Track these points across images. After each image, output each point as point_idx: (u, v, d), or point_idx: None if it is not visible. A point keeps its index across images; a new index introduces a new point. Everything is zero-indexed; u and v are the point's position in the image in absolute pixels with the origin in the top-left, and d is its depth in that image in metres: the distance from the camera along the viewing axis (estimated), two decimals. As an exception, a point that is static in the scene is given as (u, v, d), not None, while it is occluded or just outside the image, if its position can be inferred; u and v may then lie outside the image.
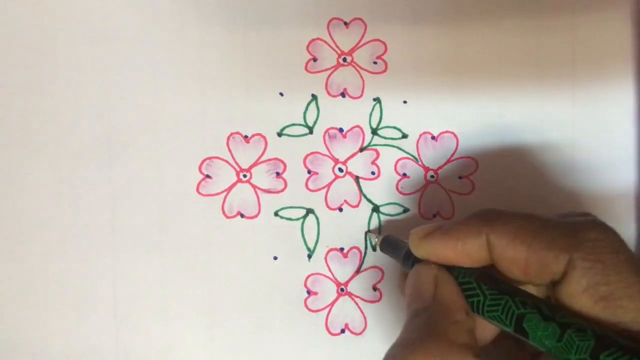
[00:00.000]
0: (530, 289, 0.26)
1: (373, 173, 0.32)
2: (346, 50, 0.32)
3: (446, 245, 0.26)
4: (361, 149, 0.32)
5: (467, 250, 0.25)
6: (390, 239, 0.30)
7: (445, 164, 0.33)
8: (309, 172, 0.32)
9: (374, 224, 0.32)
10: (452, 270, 0.26)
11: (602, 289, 0.23)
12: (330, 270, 0.32)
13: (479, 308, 0.25)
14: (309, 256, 0.32)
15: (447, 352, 0.23)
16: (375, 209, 0.33)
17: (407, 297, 0.26)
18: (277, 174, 0.32)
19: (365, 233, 0.33)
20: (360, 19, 0.32)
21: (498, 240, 0.25)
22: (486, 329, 0.26)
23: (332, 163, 0.32)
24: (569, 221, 0.25)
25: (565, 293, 0.24)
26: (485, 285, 0.25)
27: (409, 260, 0.28)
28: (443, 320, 0.24)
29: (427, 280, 0.26)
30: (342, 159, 0.32)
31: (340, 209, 0.32)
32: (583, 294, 0.23)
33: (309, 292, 0.32)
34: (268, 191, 0.32)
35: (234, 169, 0.32)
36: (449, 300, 0.25)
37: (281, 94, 0.32)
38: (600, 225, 0.25)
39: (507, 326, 0.24)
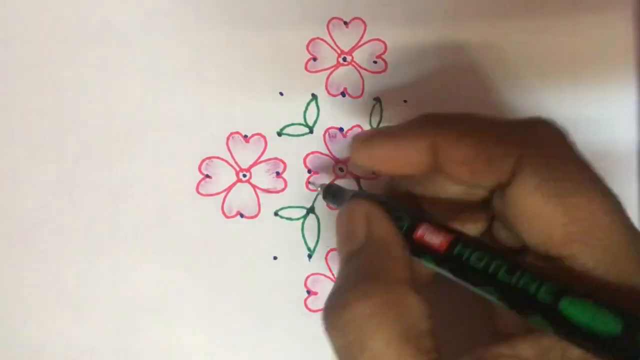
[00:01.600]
0: (478, 195, 0.25)
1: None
2: (346, 50, 0.32)
3: (387, 149, 0.24)
4: (361, 149, 0.32)
5: (409, 154, 0.24)
6: (333, 187, 0.29)
7: (445, 163, 0.33)
8: (309, 171, 0.32)
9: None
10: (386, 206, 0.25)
11: (554, 185, 0.21)
12: (330, 270, 0.32)
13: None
14: (309, 256, 0.32)
15: (388, 291, 0.22)
16: (376, 209, 0.32)
17: (337, 239, 0.25)
18: (277, 173, 0.32)
19: (307, 183, 0.32)
20: (360, 19, 0.32)
21: (444, 140, 0.23)
22: (422, 270, 0.25)
23: (333, 162, 0.32)
24: (517, 120, 0.24)
25: (515, 194, 0.22)
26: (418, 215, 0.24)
27: None
28: (379, 258, 0.23)
29: (358, 219, 0.24)
30: (342, 159, 0.32)
31: (341, 209, 0.32)
32: (534, 192, 0.21)
33: (309, 292, 0.32)
34: (268, 191, 0.32)
35: (234, 168, 0.32)
36: (384, 236, 0.24)
37: (281, 94, 0.32)
38: (548, 123, 0.23)
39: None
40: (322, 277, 0.32)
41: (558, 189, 0.21)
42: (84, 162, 0.32)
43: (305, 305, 0.32)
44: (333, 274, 0.32)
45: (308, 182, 0.32)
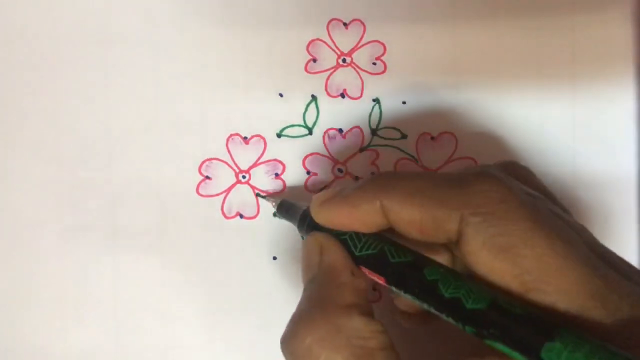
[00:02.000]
0: (439, 255, 0.25)
1: (373, 174, 0.32)
2: (345, 51, 0.32)
3: (342, 212, 0.25)
4: (361, 150, 0.32)
5: (361, 216, 0.25)
6: (286, 203, 0.30)
7: (444, 164, 0.33)
8: (308, 172, 0.32)
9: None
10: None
11: (499, 240, 0.22)
12: (329, 271, 0.32)
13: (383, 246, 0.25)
14: (309, 257, 0.32)
15: (332, 317, 0.23)
16: (375, 209, 0.32)
17: (301, 272, 0.26)
18: (277, 174, 0.32)
19: (257, 196, 0.32)
20: (360, 20, 0.32)
21: (392, 204, 0.24)
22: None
23: (332, 164, 0.32)
24: (458, 176, 0.24)
25: (466, 253, 0.23)
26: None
27: (303, 225, 0.28)
28: (327, 285, 0.24)
29: (313, 250, 0.26)
30: (341, 160, 0.32)
31: (340, 210, 0.32)
32: (481, 249, 0.22)
33: (308, 292, 0.32)
34: (267, 192, 0.32)
35: (233, 170, 0.32)
36: (333, 264, 0.25)
37: (280, 95, 0.32)
38: (487, 176, 0.24)
39: (405, 257, 0.24)
40: (321, 277, 0.32)
41: (503, 244, 0.22)
42: (84, 163, 0.32)
43: (305, 306, 0.32)
44: (332, 275, 0.32)
45: (259, 196, 0.32)
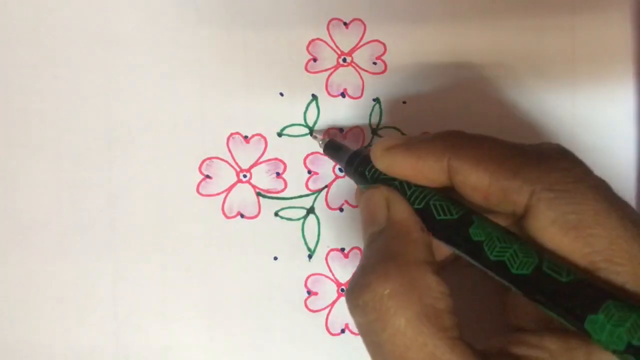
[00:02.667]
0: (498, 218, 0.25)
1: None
2: (346, 51, 0.32)
3: (406, 162, 0.25)
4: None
5: (426, 170, 0.25)
6: (334, 143, 0.30)
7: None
8: (309, 172, 0.32)
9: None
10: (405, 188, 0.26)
11: (571, 218, 0.22)
12: (330, 271, 0.32)
13: (430, 200, 0.25)
14: (310, 256, 0.32)
15: (406, 271, 0.23)
16: (376, 209, 0.32)
17: (362, 223, 0.26)
18: (277, 174, 0.32)
19: (311, 135, 0.32)
20: (360, 20, 0.32)
21: (460, 165, 0.24)
22: (440, 252, 0.26)
23: (333, 163, 0.32)
24: (535, 149, 0.24)
25: (534, 228, 0.23)
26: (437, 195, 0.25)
27: (351, 167, 0.28)
28: (399, 240, 0.24)
29: (379, 203, 0.25)
30: (342, 159, 0.32)
31: (341, 209, 0.32)
32: (552, 225, 0.22)
33: (309, 292, 0.32)
34: (268, 191, 0.32)
35: (234, 169, 0.32)
36: (403, 219, 0.25)
37: (281, 94, 0.32)
38: (566, 154, 0.24)
39: (451, 214, 0.24)
40: (322, 277, 0.32)
41: (575, 222, 0.22)
42: (84, 162, 0.32)
43: (306, 306, 0.32)
44: (333, 275, 0.32)
45: (311, 135, 0.32)
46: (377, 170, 0.27)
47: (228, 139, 0.32)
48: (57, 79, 0.32)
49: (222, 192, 0.32)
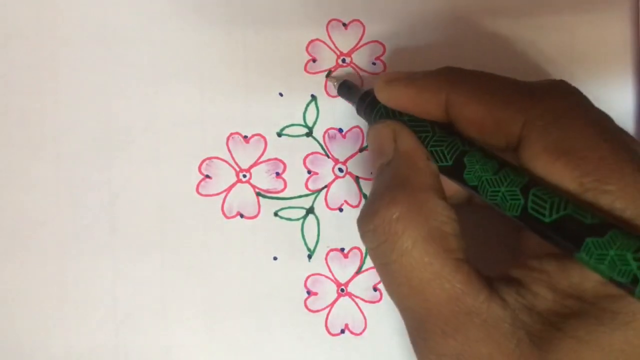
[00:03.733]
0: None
1: (372, 173, 0.32)
2: (345, 51, 0.32)
3: (406, 94, 0.26)
4: (361, 149, 0.32)
5: (425, 103, 0.26)
6: (348, 84, 0.31)
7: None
8: (308, 172, 0.32)
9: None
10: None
11: (561, 144, 0.22)
12: (330, 271, 0.32)
13: (427, 145, 0.26)
14: (309, 256, 0.32)
15: (413, 196, 0.24)
16: (375, 209, 0.32)
17: (370, 156, 0.27)
18: (277, 174, 0.32)
19: (327, 77, 0.32)
20: (359, 21, 0.32)
21: (457, 98, 0.25)
22: (450, 187, 0.27)
23: (332, 163, 0.32)
24: (529, 82, 0.25)
25: (527, 157, 0.23)
26: (437, 127, 0.26)
27: (362, 105, 0.29)
28: (406, 168, 0.25)
29: (386, 135, 0.26)
30: (342, 159, 0.32)
31: (341, 209, 0.32)
32: (543, 153, 0.22)
33: (309, 292, 0.32)
34: (268, 191, 0.32)
35: (234, 169, 0.32)
36: (409, 149, 0.26)
37: (281, 95, 0.32)
38: (560, 84, 0.24)
39: (447, 161, 0.25)
40: (322, 277, 0.32)
41: (565, 147, 0.22)
42: (84, 162, 0.32)
43: (305, 306, 0.32)
44: (333, 275, 0.32)
45: (327, 76, 0.32)
46: (384, 108, 0.28)
47: (228, 138, 0.32)
48: (57, 78, 0.32)
49: (222, 192, 0.32)
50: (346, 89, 0.31)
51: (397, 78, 0.27)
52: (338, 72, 0.32)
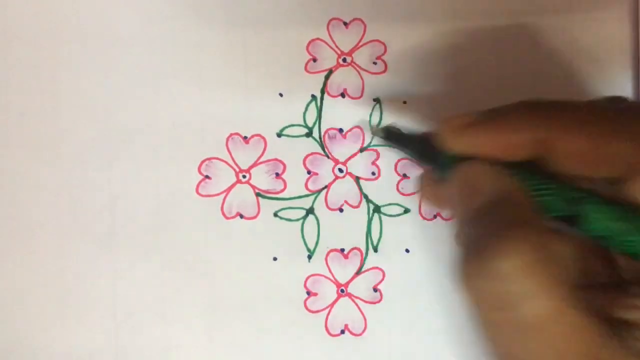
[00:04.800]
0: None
1: (373, 174, 0.32)
2: (346, 51, 0.32)
3: (491, 140, 0.23)
4: (361, 150, 0.32)
5: (513, 146, 0.23)
6: (394, 128, 0.28)
7: (446, 164, 0.33)
8: (308, 172, 0.32)
9: (375, 224, 0.32)
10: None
11: None
12: (330, 271, 0.32)
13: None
14: (309, 257, 0.32)
15: (541, 238, 0.21)
16: (376, 209, 0.32)
17: (460, 199, 0.24)
18: (277, 174, 0.32)
19: (372, 133, 0.31)
20: (360, 20, 0.32)
21: (554, 132, 0.22)
22: None
23: (332, 164, 0.32)
24: (628, 109, 0.23)
25: (635, 190, 0.22)
26: (533, 174, 0.23)
27: (421, 148, 0.26)
28: (517, 208, 0.22)
29: (481, 174, 0.23)
30: (342, 160, 0.32)
31: (341, 210, 0.32)
32: None
33: (308, 293, 0.32)
34: (267, 192, 0.32)
35: (233, 169, 0.32)
36: (513, 188, 0.23)
37: (280, 95, 0.32)
38: None
39: (560, 211, 0.23)
40: (321, 278, 0.32)
41: None
42: (83, 163, 0.32)
43: (305, 306, 0.32)
44: (333, 275, 0.32)
45: (372, 132, 0.31)
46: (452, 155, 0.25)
47: (227, 139, 0.32)
48: (57, 79, 0.32)
49: (222, 192, 0.32)
50: (394, 135, 0.28)
51: (470, 123, 0.24)
52: (373, 121, 0.32)
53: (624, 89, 0.32)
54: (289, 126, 0.32)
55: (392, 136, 0.29)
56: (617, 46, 0.32)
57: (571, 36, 0.32)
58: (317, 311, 0.32)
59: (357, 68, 0.32)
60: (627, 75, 0.32)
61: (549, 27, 0.32)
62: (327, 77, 0.32)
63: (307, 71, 0.32)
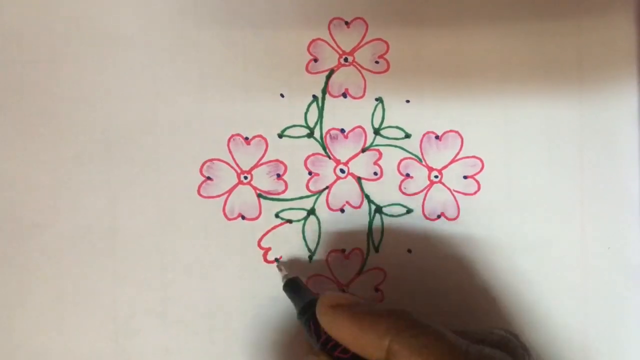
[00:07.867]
0: None
1: (375, 174, 0.32)
2: (347, 50, 0.32)
3: (347, 328, 0.25)
4: (363, 150, 0.32)
5: (365, 344, 0.25)
6: (296, 282, 0.30)
7: (449, 163, 0.32)
8: (309, 173, 0.32)
9: (377, 224, 0.32)
10: None
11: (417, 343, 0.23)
12: (331, 272, 0.32)
13: None
14: (310, 257, 0.32)
15: None
16: (378, 209, 0.32)
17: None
18: (278, 175, 0.32)
19: (277, 262, 0.32)
20: (362, 19, 0.32)
21: (401, 350, 0.24)
22: None
23: (334, 164, 0.32)
24: (476, 352, 0.24)
25: None
26: None
27: (304, 313, 0.28)
28: None
29: None
30: (343, 160, 0.32)
31: (342, 210, 0.32)
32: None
33: (310, 293, 0.32)
34: (269, 193, 0.32)
35: (235, 170, 0.32)
36: None
37: (282, 95, 0.32)
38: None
39: None
40: (323, 278, 0.32)
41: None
42: (84, 164, 0.32)
43: (306, 308, 0.32)
44: (334, 275, 0.32)
45: (276, 263, 0.32)
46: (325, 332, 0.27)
47: (229, 140, 0.32)
48: (57, 78, 0.32)
49: (223, 193, 0.32)
50: (291, 288, 0.30)
51: (341, 305, 0.26)
52: (284, 261, 0.32)
53: (631, 90, 0.32)
54: (290, 127, 0.32)
55: (288, 286, 0.30)
56: (623, 49, 0.32)
57: (579, 39, 0.32)
58: (319, 312, 0.32)
59: (359, 67, 0.32)
60: (633, 78, 0.32)
61: (555, 30, 0.32)
62: (328, 77, 0.32)
63: (308, 71, 0.32)
